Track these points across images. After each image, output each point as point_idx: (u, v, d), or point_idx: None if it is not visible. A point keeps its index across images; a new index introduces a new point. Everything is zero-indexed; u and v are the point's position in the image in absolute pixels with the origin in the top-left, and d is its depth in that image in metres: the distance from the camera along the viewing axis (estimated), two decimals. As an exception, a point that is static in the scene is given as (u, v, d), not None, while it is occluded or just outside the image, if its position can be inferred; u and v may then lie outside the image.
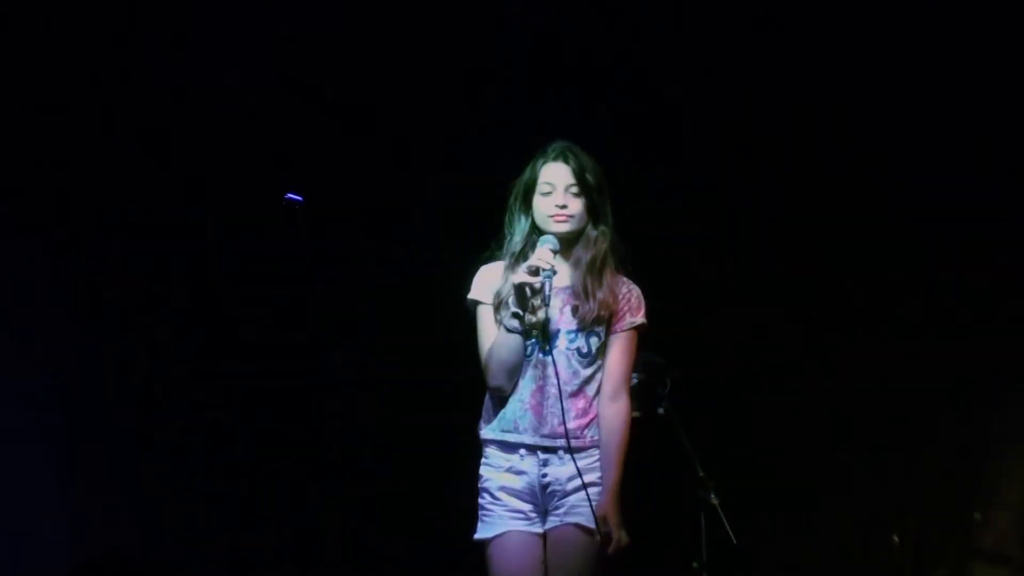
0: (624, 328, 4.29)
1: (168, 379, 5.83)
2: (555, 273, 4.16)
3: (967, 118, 5.66)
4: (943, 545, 5.54)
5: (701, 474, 5.13)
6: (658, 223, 5.84)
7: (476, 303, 4.31)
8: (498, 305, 4.26)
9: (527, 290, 4.16)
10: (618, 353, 4.29)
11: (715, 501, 5.09)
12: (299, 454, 5.86)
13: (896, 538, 5.45)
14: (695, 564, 5.16)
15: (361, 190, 5.87)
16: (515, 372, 4.20)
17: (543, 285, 4.13)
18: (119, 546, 5.61)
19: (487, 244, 4.40)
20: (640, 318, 4.30)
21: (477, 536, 4.27)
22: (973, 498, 5.58)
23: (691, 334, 5.71)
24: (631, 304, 4.30)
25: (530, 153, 4.37)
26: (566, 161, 4.29)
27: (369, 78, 5.88)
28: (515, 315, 4.16)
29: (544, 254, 4.18)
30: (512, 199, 4.34)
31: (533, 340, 4.23)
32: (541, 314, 4.18)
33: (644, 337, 4.34)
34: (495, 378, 4.22)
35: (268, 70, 5.80)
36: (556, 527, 4.21)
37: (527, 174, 4.33)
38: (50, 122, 5.68)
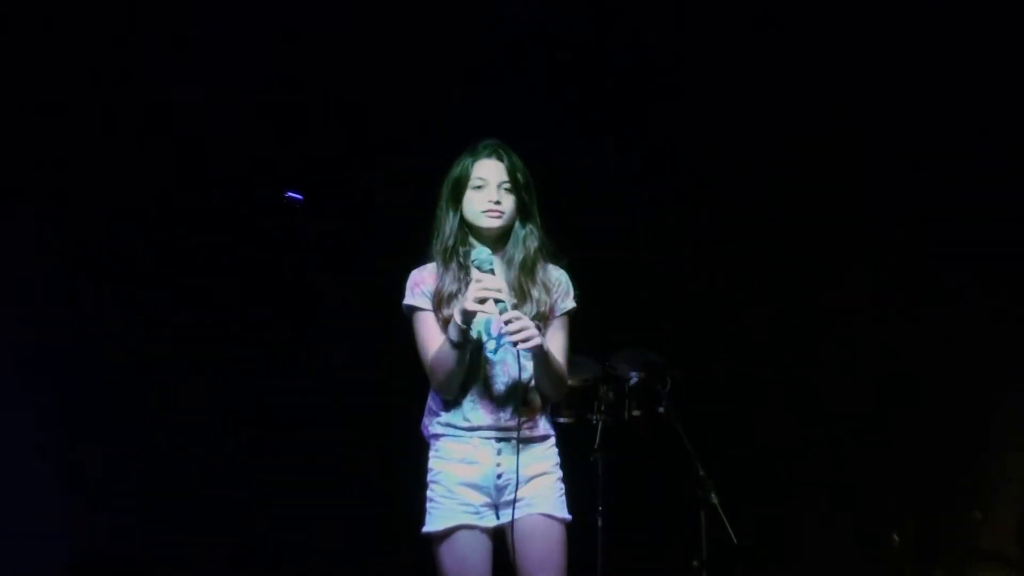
0: (558, 315, 4.29)
1: (167, 377, 5.82)
2: (508, 304, 4.13)
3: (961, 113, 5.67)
4: (943, 544, 5.55)
5: (701, 473, 5.13)
6: (655, 222, 5.85)
7: (412, 308, 4.28)
8: (438, 304, 4.24)
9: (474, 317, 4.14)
10: (557, 339, 4.29)
11: (715, 500, 5.10)
12: (297, 453, 5.86)
13: (896, 537, 5.45)
14: (695, 563, 5.17)
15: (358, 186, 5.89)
16: (460, 379, 4.21)
17: (501, 313, 4.10)
18: (116, 546, 5.61)
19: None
20: (570, 302, 4.32)
21: (425, 529, 4.27)
22: (973, 497, 5.58)
23: (691, 333, 5.72)
24: (561, 291, 4.30)
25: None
26: (499, 158, 4.29)
27: (365, 75, 5.90)
28: (462, 331, 4.16)
29: (490, 282, 4.15)
30: (442, 196, 4.33)
31: (484, 336, 4.22)
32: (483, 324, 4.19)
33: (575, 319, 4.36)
34: (442, 386, 4.21)
35: (260, 67, 5.80)
36: (522, 519, 4.22)
37: (457, 170, 4.31)
38: (49, 120, 5.67)
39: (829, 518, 5.73)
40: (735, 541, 5.01)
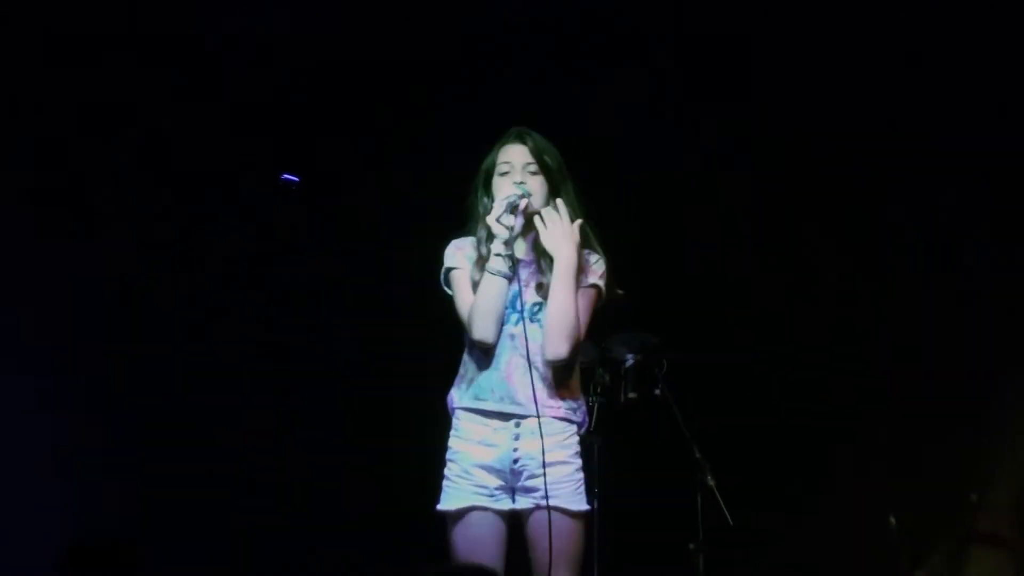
0: (579, 286, 4.34)
1: (167, 362, 5.83)
2: (528, 194, 4.28)
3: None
4: (939, 527, 5.54)
5: (697, 455, 5.13)
6: (656, 204, 5.84)
7: (450, 270, 4.38)
8: (478, 263, 4.34)
9: (508, 210, 4.26)
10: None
11: (711, 482, 5.10)
12: (296, 438, 5.87)
13: (892, 520, 5.44)
14: (691, 546, 5.16)
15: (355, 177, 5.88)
16: (499, 320, 4.26)
17: (517, 203, 4.25)
18: (113, 529, 5.60)
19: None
20: (594, 279, 4.35)
21: (440, 507, 4.31)
22: (970, 480, 5.57)
23: (687, 315, 5.71)
24: (591, 269, 4.38)
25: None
26: (523, 141, 4.41)
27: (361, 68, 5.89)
28: (497, 255, 4.20)
29: (510, 189, 4.30)
30: (474, 187, 4.44)
31: (509, 309, 4.27)
32: (518, 249, 4.29)
33: (606, 305, 4.37)
34: (479, 328, 4.27)
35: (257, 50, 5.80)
36: (535, 510, 4.23)
37: (487, 160, 4.45)
38: (49, 116, 5.68)
39: (825, 500, 5.72)
40: (731, 523, 5.01)
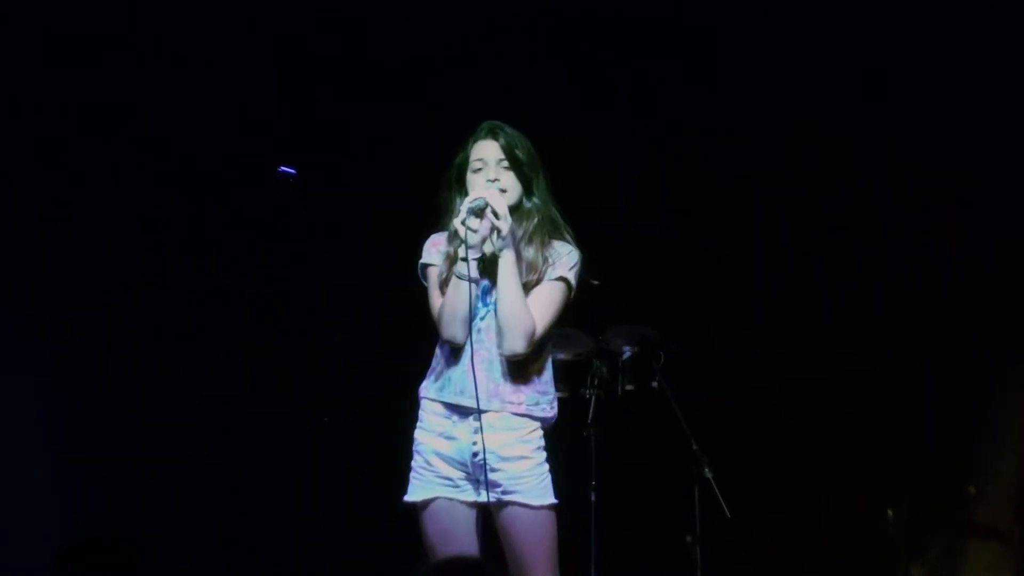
0: (545, 280, 4.31)
1: (166, 358, 5.82)
2: (487, 206, 4.23)
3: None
4: (938, 519, 5.54)
5: (695, 448, 5.13)
6: (649, 197, 5.84)
7: (425, 266, 4.40)
8: (448, 259, 4.33)
9: (472, 214, 4.22)
10: (534, 297, 4.30)
11: (709, 475, 5.10)
12: (298, 433, 5.86)
13: (891, 512, 5.45)
14: (689, 538, 5.16)
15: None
16: (465, 322, 4.26)
17: (482, 207, 4.21)
18: (112, 526, 5.60)
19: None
20: (561, 271, 4.33)
21: (406, 498, 4.34)
22: (968, 473, 5.58)
23: (684, 308, 5.71)
24: (560, 261, 4.33)
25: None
26: (495, 137, 4.37)
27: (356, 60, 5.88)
28: (462, 259, 4.22)
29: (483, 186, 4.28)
30: (448, 180, 4.42)
31: (479, 304, 4.28)
32: (487, 247, 4.25)
33: (575, 300, 4.36)
34: (447, 330, 4.27)
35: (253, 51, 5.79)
36: (500, 507, 4.25)
37: (459, 155, 4.42)
38: (45, 110, 5.68)
39: (823, 493, 5.72)
40: (728, 516, 5.01)
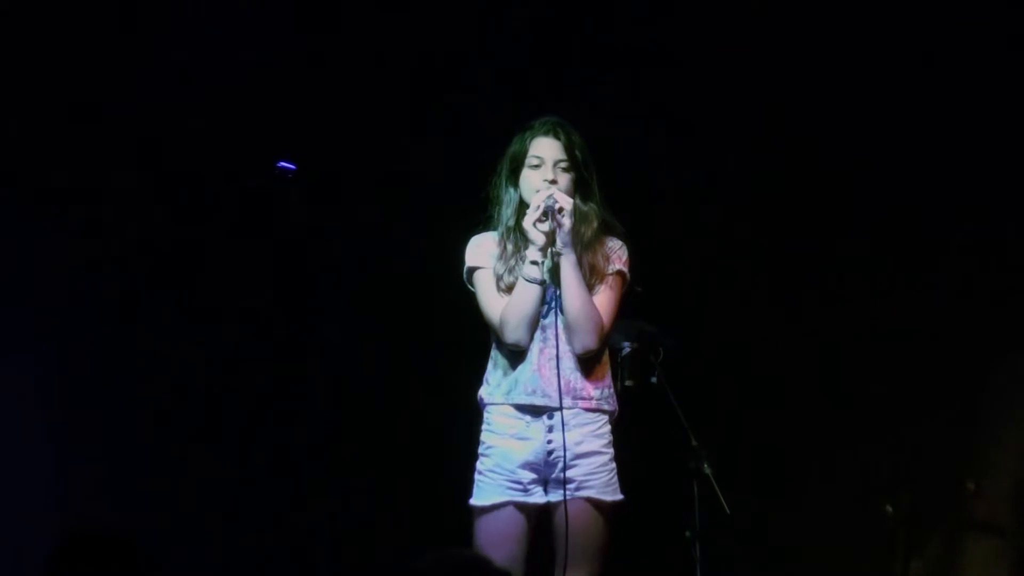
0: (606, 274, 4.36)
1: (164, 350, 5.83)
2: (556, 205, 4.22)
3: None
4: (936, 515, 5.54)
5: (694, 443, 5.12)
6: (651, 192, 5.84)
7: (474, 269, 4.33)
8: (501, 273, 4.31)
9: (542, 218, 4.22)
10: (598, 295, 4.35)
11: (708, 470, 5.10)
12: (295, 427, 5.86)
13: (889, 508, 5.44)
14: (688, 534, 5.16)
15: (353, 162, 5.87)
16: (534, 324, 4.25)
17: (551, 209, 4.19)
18: (108, 519, 5.60)
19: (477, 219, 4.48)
20: (618, 265, 4.33)
21: (472, 501, 4.30)
22: (966, 468, 5.58)
23: (684, 303, 5.71)
24: (614, 255, 4.38)
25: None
26: (556, 136, 4.34)
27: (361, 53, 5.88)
28: (532, 262, 4.18)
29: (540, 185, 4.26)
30: (499, 172, 4.35)
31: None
32: (558, 246, 4.24)
33: (630, 293, 4.37)
34: (514, 332, 4.25)
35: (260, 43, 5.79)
36: (569, 500, 4.22)
37: (515, 147, 4.38)
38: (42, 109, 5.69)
39: (822, 489, 5.73)
40: (728, 512, 5.00)
